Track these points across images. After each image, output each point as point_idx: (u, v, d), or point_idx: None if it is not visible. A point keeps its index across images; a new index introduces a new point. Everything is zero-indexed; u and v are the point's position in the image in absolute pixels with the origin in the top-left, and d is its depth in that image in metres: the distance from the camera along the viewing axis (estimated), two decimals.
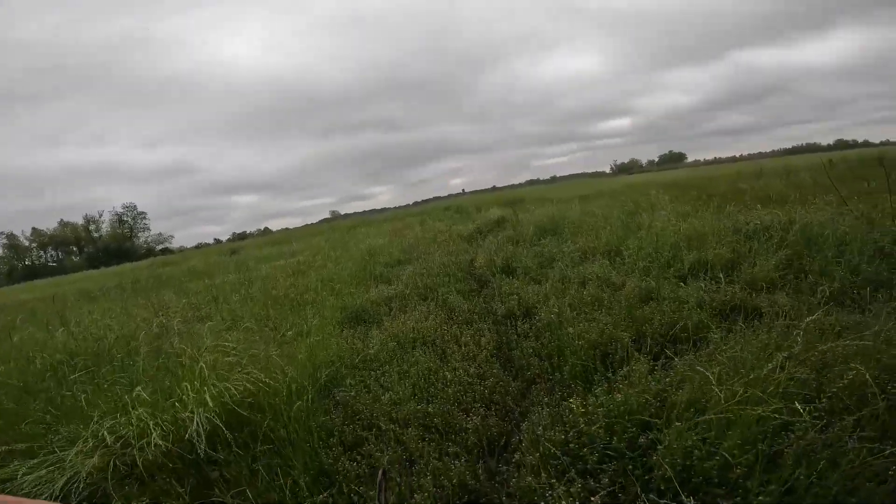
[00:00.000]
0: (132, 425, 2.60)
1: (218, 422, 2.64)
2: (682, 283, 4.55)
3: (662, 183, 17.73)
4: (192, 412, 2.64)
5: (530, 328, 3.97)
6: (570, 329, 3.46)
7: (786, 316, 3.37)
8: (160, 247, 70.12)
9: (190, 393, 2.81)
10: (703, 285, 4.33)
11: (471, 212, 17.62)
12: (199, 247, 62.21)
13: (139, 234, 72.34)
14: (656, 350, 3.10)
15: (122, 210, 71.39)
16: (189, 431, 2.54)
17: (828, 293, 3.67)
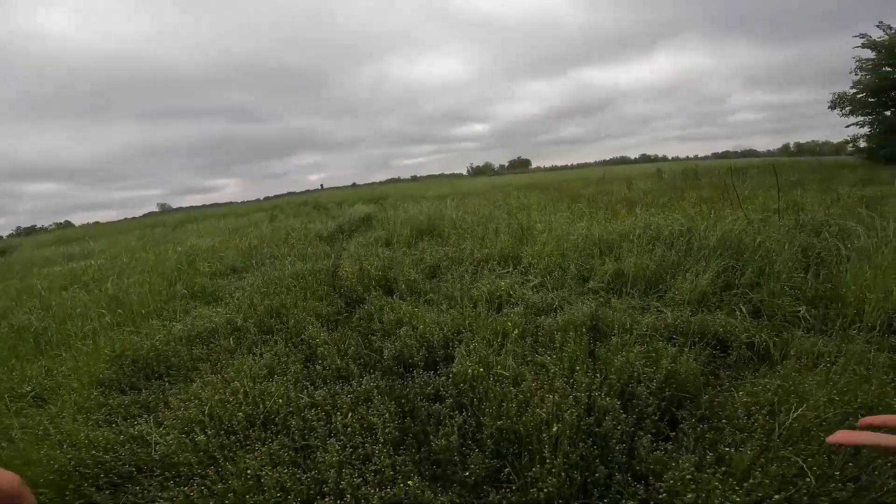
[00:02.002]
0: None
1: None
2: (601, 299, 3.72)
3: (522, 185, 18.22)
4: None
5: (444, 388, 2.54)
6: (519, 392, 2.17)
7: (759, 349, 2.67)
8: None
9: None
10: (637, 304, 3.54)
11: (330, 208, 15.55)
12: None
13: None
14: (655, 420, 1.99)
15: None
16: None
17: (780, 315, 3.15)
